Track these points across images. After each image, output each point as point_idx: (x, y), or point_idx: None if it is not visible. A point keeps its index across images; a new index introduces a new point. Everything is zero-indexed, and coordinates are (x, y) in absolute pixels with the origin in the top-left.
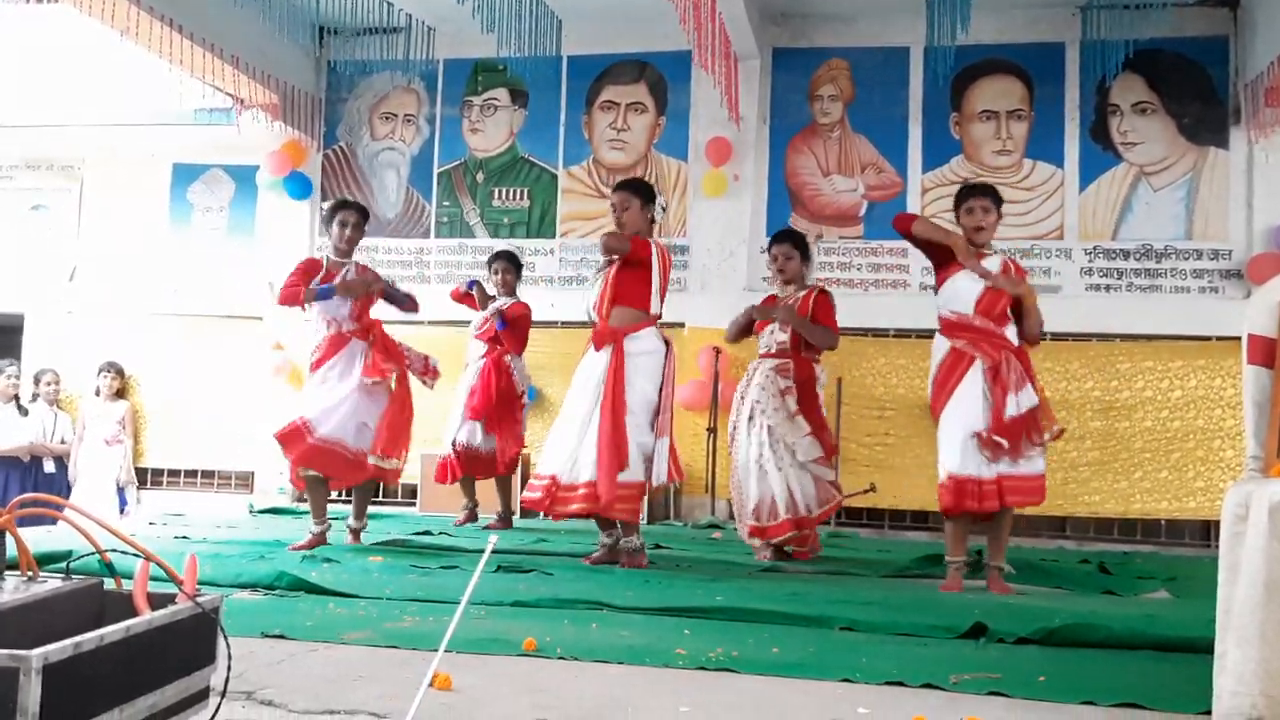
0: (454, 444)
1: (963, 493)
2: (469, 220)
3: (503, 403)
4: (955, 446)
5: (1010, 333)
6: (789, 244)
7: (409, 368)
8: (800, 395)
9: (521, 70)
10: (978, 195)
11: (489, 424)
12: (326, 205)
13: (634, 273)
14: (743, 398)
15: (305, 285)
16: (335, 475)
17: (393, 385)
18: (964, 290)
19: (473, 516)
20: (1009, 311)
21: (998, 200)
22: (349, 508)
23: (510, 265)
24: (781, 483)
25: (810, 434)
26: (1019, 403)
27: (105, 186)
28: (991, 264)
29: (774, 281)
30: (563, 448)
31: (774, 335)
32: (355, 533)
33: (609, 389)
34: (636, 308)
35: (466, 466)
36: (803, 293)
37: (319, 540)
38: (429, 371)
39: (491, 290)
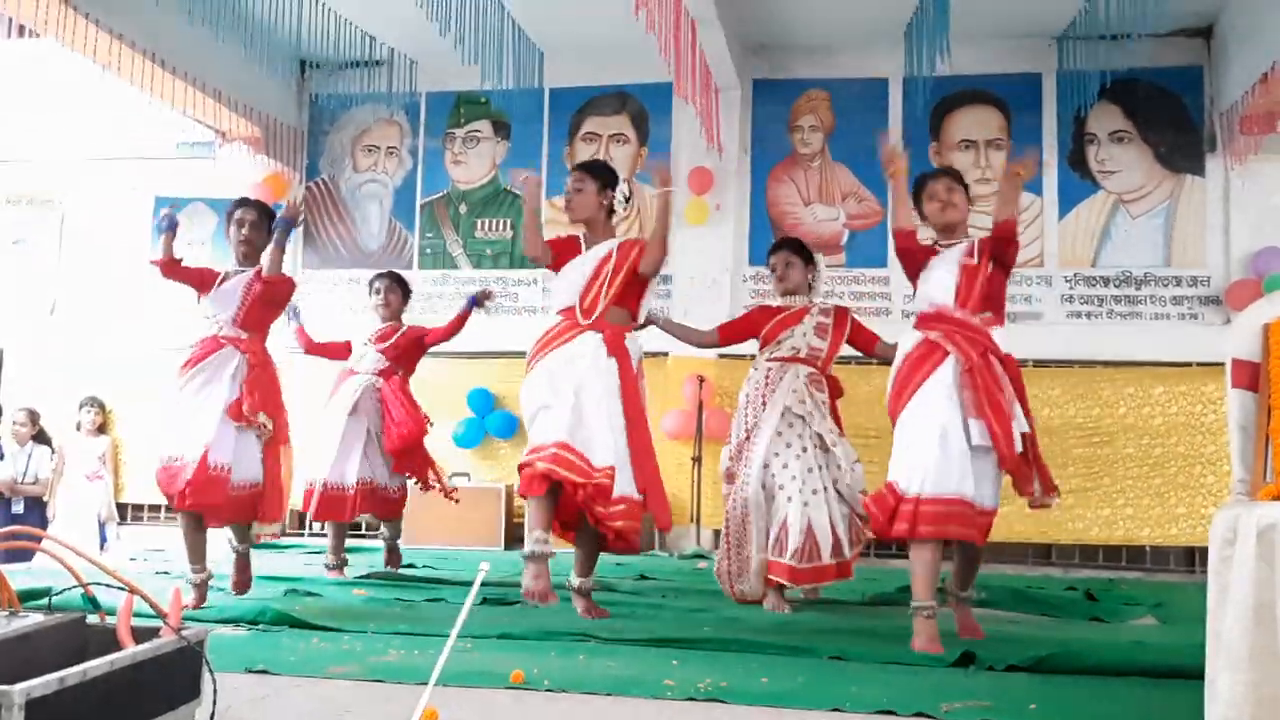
0: (356, 481)
1: (932, 518)
2: (452, 251)
3: (416, 439)
4: (915, 458)
5: (996, 333)
6: (787, 250)
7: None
8: (832, 415)
9: (504, 103)
10: (934, 179)
11: (398, 463)
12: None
13: (644, 280)
14: (762, 403)
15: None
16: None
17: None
18: (941, 279)
19: (341, 567)
20: (998, 305)
21: (959, 180)
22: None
23: (395, 285)
24: (825, 515)
25: (858, 459)
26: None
27: (86, 220)
28: (958, 250)
29: (774, 293)
30: (564, 426)
31: (806, 338)
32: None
33: (626, 395)
34: (629, 309)
35: (367, 504)
36: (826, 314)
37: (200, 593)
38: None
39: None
